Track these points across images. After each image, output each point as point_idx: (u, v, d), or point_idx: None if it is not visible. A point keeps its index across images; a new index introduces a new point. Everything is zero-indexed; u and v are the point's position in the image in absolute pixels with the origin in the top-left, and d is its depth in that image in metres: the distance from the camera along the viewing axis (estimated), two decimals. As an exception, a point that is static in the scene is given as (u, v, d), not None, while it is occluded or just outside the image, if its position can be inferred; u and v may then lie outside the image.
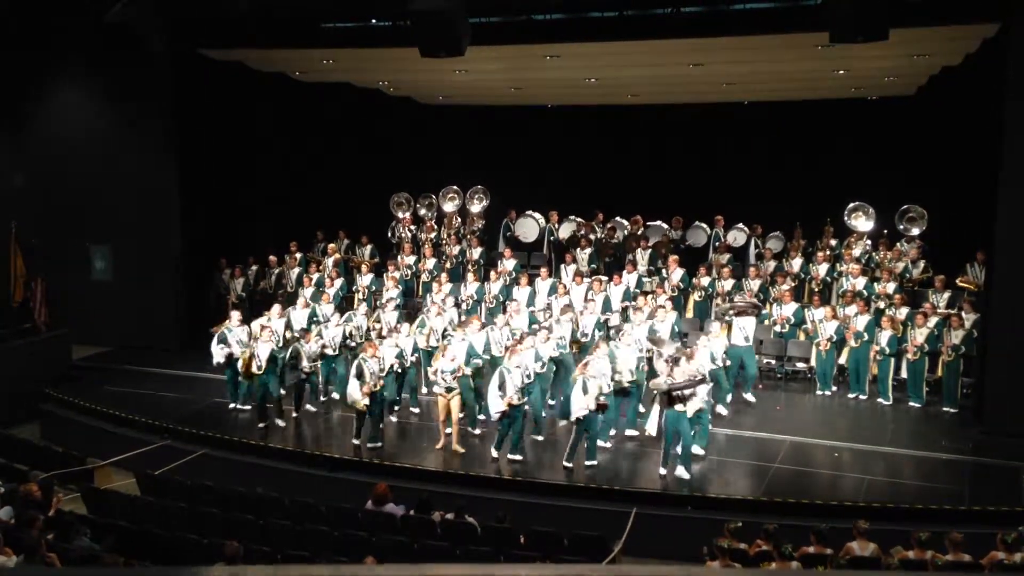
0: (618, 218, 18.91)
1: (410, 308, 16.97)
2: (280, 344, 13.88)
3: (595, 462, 12.02)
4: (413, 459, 12.58)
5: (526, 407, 12.32)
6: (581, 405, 11.60)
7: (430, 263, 17.85)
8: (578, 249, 17.87)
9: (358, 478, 12.13)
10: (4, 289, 16.38)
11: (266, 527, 9.93)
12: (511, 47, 14.80)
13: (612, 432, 12.77)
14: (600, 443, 12.31)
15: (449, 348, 13.02)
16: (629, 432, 12.93)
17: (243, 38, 15.50)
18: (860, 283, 15.66)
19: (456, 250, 18.40)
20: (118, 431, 14.10)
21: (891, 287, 15.46)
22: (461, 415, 12.81)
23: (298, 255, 18.48)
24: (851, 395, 14.60)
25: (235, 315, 14.71)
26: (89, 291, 17.91)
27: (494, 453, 12.38)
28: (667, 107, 19.78)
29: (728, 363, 13.72)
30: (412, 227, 19.07)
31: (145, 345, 17.29)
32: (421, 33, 12.60)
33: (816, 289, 16.24)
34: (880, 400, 14.39)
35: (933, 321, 14.26)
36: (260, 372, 13.43)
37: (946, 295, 15.24)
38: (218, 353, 14.16)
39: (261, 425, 13.58)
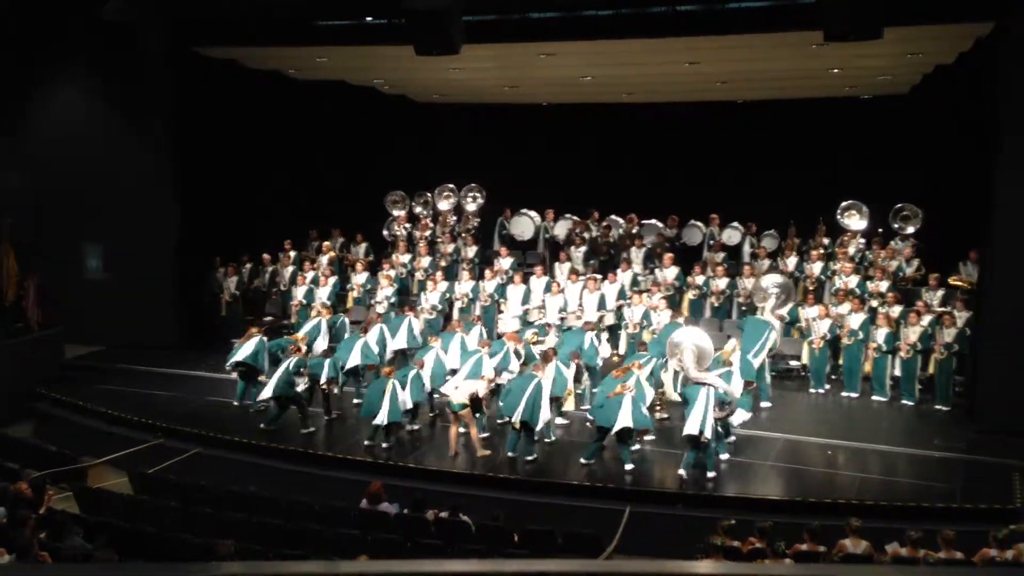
0: (613, 216, 18.92)
1: (403, 307, 16.97)
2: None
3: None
4: (408, 458, 12.57)
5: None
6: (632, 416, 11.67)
7: (425, 261, 17.85)
8: (573, 247, 17.88)
9: (352, 476, 12.11)
10: (-3, 288, 16.34)
11: (259, 526, 9.91)
12: (506, 45, 14.81)
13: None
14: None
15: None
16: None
17: (239, 36, 15.49)
18: (853, 281, 15.68)
19: (451, 248, 18.39)
20: (111, 430, 14.07)
21: (884, 285, 15.48)
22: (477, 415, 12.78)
23: (292, 253, 18.47)
24: (844, 393, 14.63)
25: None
26: (83, 290, 17.86)
27: (509, 454, 12.32)
28: (662, 106, 19.80)
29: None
30: (407, 225, 19.06)
31: (139, 344, 17.24)
32: (416, 31, 12.59)
33: (810, 288, 16.27)
34: (875, 397, 14.41)
35: (926, 319, 14.29)
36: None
37: (939, 293, 15.28)
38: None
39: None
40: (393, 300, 16.54)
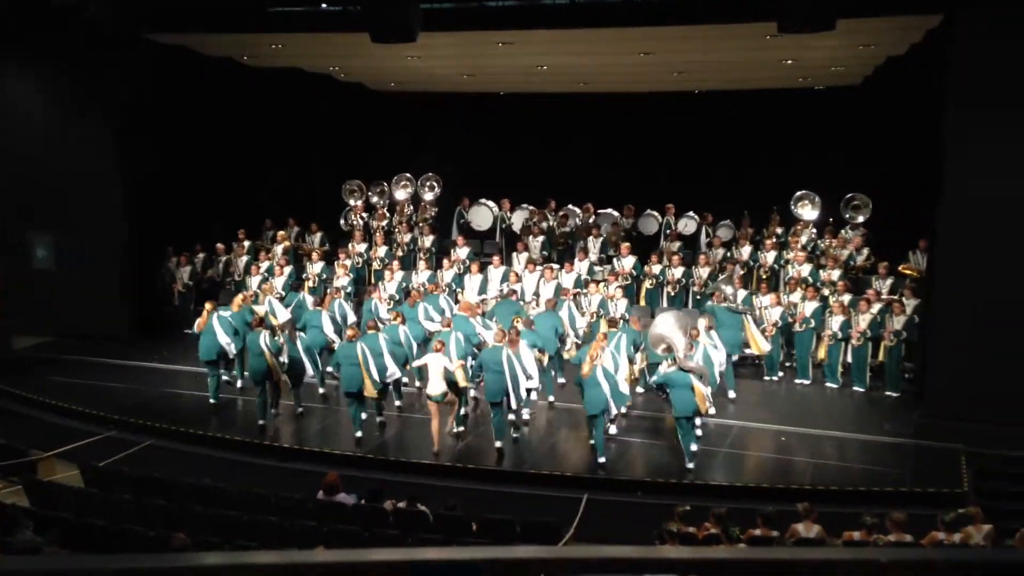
0: (570, 206, 18.98)
1: (360, 296, 16.88)
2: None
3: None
4: (366, 448, 12.51)
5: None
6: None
7: (381, 251, 17.75)
8: (530, 237, 17.90)
9: (309, 468, 12.03)
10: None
11: (214, 518, 9.81)
12: (463, 33, 14.74)
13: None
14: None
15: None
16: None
17: (189, 22, 15.21)
18: (806, 270, 15.92)
19: (408, 238, 18.31)
20: (61, 422, 13.82)
21: (836, 274, 15.72)
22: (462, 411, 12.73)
23: (246, 243, 18.26)
24: (797, 381, 14.86)
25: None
26: (31, 280, 17.50)
27: (497, 444, 12.17)
28: (618, 96, 19.87)
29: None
30: (364, 215, 18.93)
31: (89, 335, 16.94)
32: (372, 18, 12.48)
33: (764, 276, 16.47)
34: (828, 384, 14.65)
35: (876, 307, 14.54)
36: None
37: (889, 282, 15.55)
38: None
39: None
40: (349, 290, 16.43)
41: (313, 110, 20.14)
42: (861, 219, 16.63)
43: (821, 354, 14.85)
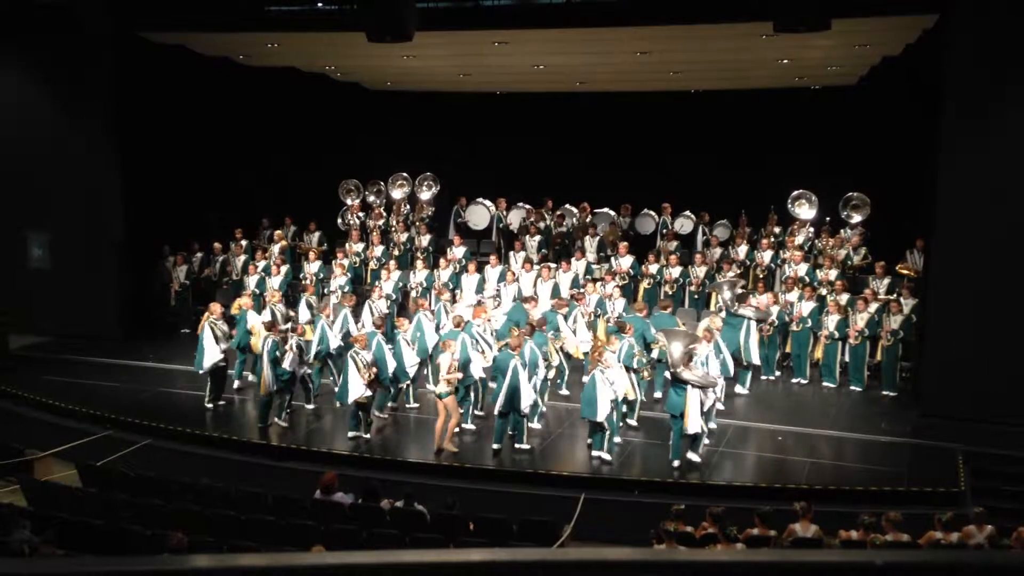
0: (567, 205, 18.98)
1: (358, 295, 16.84)
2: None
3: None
4: (362, 447, 12.50)
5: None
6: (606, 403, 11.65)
7: (378, 250, 17.74)
8: (527, 236, 17.90)
9: (305, 467, 12.02)
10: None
11: (211, 518, 9.80)
12: (459, 33, 14.74)
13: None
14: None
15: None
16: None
17: (186, 21, 15.20)
18: (802, 270, 15.93)
19: (404, 237, 18.30)
20: (58, 422, 13.77)
21: (833, 274, 15.74)
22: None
23: (244, 242, 18.24)
24: (794, 380, 14.87)
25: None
26: (27, 279, 17.47)
27: (495, 446, 12.16)
28: (615, 95, 19.87)
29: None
30: (361, 214, 18.92)
31: (85, 334, 16.91)
32: (368, 17, 12.47)
33: (760, 276, 16.49)
34: (825, 383, 14.67)
35: (873, 307, 14.56)
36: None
37: (886, 281, 15.56)
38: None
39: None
40: (347, 289, 16.40)
41: (309, 110, 20.11)
42: (858, 218, 16.64)
43: (818, 354, 14.87)
